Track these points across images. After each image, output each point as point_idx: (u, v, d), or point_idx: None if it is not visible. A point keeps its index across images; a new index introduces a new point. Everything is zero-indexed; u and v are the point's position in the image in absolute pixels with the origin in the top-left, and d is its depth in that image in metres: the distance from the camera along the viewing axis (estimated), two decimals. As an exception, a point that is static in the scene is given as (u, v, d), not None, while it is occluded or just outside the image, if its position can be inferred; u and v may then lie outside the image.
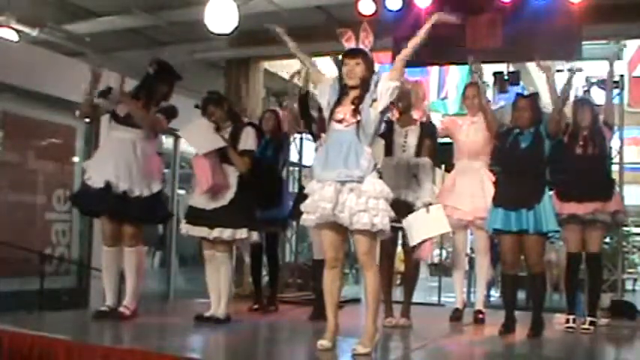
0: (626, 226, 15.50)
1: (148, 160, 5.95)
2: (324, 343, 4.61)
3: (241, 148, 5.91)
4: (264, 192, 6.51)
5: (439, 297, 12.63)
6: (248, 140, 5.97)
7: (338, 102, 4.73)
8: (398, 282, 8.40)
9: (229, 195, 5.84)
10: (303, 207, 4.73)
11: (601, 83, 7.30)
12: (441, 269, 15.45)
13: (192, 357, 4.54)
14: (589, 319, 6.14)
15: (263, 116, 7.22)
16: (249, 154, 5.95)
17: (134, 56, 11.63)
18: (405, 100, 6.10)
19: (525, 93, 6.72)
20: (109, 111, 6.02)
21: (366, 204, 4.49)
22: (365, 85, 4.69)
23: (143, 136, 5.95)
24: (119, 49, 11.84)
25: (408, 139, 6.09)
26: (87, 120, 6.11)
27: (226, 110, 6.04)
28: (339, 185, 4.53)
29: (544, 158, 5.82)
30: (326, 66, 4.94)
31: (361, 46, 4.76)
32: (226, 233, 5.77)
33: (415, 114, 6.23)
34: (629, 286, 16.73)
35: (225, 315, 5.88)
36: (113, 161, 5.80)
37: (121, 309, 5.87)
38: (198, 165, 5.77)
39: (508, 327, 5.78)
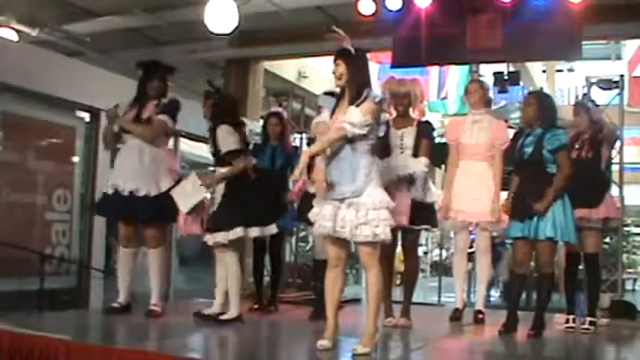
0: (626, 226, 15.55)
1: (156, 160, 6.11)
2: (324, 343, 4.62)
3: (224, 151, 5.83)
4: (273, 203, 6.53)
5: (439, 297, 12.62)
6: (227, 140, 5.84)
7: (336, 109, 4.76)
8: (398, 282, 8.39)
9: (217, 201, 5.87)
10: (310, 215, 4.76)
11: (601, 83, 7.26)
12: (441, 269, 15.45)
13: (192, 357, 4.54)
14: (589, 319, 6.13)
15: (267, 121, 7.11)
16: (235, 154, 5.86)
17: (134, 56, 11.65)
18: (404, 102, 6.08)
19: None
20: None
21: (366, 217, 4.51)
22: (352, 83, 4.67)
23: (148, 140, 6.12)
24: (119, 48, 11.86)
25: (405, 140, 6.03)
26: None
27: (213, 105, 6.12)
28: (337, 203, 4.58)
29: (547, 165, 5.76)
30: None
31: (345, 45, 4.74)
32: (219, 237, 5.77)
33: (413, 113, 6.19)
34: (628, 286, 16.75)
35: (234, 315, 5.85)
36: (120, 167, 6.10)
37: (152, 307, 6.08)
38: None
39: (510, 326, 5.77)
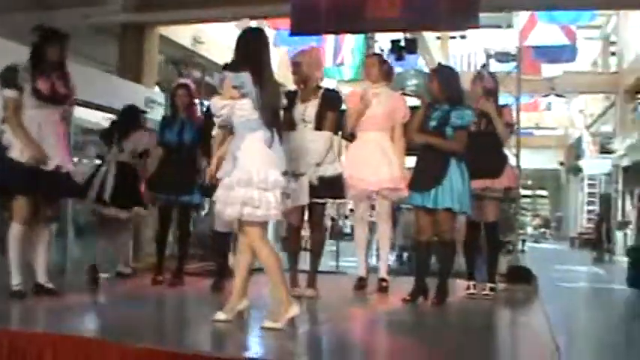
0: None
1: (66, 135, 5.91)
2: (220, 316, 4.68)
3: None
4: (179, 177, 6.60)
5: (337, 262, 12.61)
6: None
7: None
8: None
9: None
10: None
11: (499, 55, 7.43)
12: (339, 234, 15.45)
13: (94, 337, 4.41)
14: (489, 285, 6.37)
15: (175, 93, 7.00)
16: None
17: (23, 19, 11.19)
18: (299, 73, 6.04)
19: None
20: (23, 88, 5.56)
21: (227, 196, 4.58)
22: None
23: (62, 112, 5.80)
24: (6, 10, 11.34)
25: (307, 112, 5.95)
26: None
27: None
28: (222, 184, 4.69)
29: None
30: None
31: None
32: None
33: (313, 83, 6.08)
34: (518, 246, 17.38)
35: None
36: (48, 140, 5.59)
37: (51, 286, 5.71)
38: None
39: (417, 294, 5.87)
